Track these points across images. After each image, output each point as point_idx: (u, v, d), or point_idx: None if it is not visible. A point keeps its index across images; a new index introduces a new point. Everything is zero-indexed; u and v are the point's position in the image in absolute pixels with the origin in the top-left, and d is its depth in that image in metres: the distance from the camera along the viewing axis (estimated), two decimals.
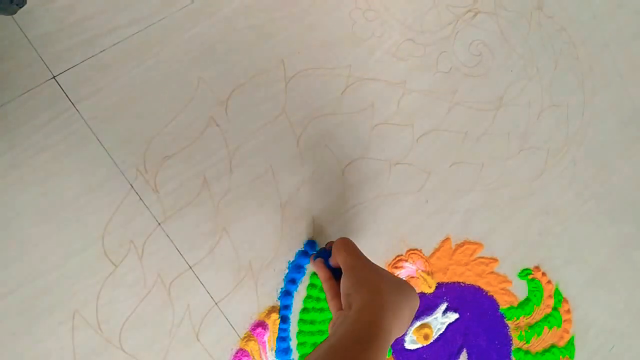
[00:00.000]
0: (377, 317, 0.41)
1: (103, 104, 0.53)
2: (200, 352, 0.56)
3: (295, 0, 0.60)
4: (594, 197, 0.75)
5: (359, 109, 0.62)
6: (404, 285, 0.46)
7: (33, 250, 0.50)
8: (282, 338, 0.59)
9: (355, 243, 0.61)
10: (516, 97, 0.70)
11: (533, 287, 0.71)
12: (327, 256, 0.55)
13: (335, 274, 0.53)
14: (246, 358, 0.57)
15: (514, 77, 0.70)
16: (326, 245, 0.58)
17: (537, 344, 0.71)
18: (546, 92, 0.72)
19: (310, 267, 0.60)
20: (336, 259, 0.51)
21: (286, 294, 0.59)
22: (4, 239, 0.50)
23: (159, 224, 0.54)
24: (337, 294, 0.49)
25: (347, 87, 0.62)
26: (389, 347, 0.41)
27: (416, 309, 0.47)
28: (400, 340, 0.65)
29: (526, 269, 0.71)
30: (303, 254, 0.60)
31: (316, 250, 0.59)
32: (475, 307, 0.68)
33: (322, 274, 0.53)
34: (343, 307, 0.45)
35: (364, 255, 0.50)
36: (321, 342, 0.42)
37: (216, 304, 0.56)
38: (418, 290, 0.65)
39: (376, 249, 0.63)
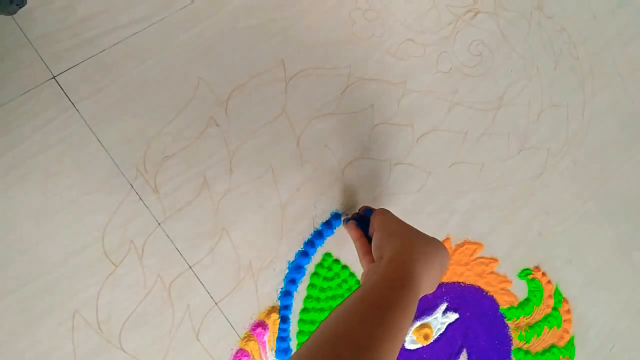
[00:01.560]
0: (407, 264, 0.42)
1: (103, 104, 0.53)
2: (200, 352, 0.56)
3: (295, 0, 0.60)
4: (594, 197, 0.75)
5: (359, 109, 0.62)
6: (435, 241, 0.48)
7: (33, 250, 0.50)
8: (282, 338, 0.59)
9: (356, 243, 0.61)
10: (516, 97, 0.70)
11: (533, 287, 0.71)
12: (358, 219, 0.57)
13: (366, 234, 0.55)
14: (246, 358, 0.57)
15: (514, 77, 0.70)
16: (359, 210, 0.59)
17: (537, 344, 0.71)
18: (546, 92, 0.72)
19: (310, 268, 0.60)
20: (374, 219, 0.52)
21: (286, 294, 0.59)
22: (4, 239, 0.50)
23: (159, 224, 0.54)
24: (368, 252, 0.51)
25: (347, 87, 0.62)
26: (419, 298, 0.42)
27: (446, 266, 0.48)
28: None
29: (526, 269, 0.71)
30: (303, 254, 0.60)
31: (340, 221, 0.60)
32: (475, 307, 0.68)
33: (354, 233, 0.55)
34: (375, 260, 0.47)
35: (397, 220, 0.51)
36: (357, 289, 0.43)
37: (216, 304, 0.56)
38: None
39: None
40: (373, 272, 0.44)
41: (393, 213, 0.53)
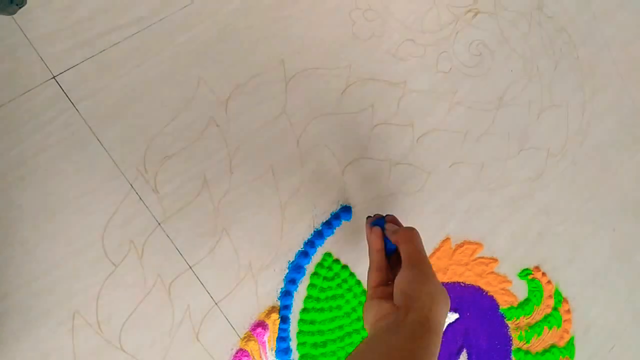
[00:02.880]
0: (436, 330, 0.43)
1: (103, 104, 0.53)
2: (200, 352, 0.56)
3: (295, 0, 0.60)
4: (594, 197, 0.75)
5: (359, 109, 0.62)
6: (446, 296, 0.47)
7: (33, 250, 0.50)
8: (282, 338, 0.59)
9: (356, 243, 0.61)
10: (516, 97, 0.70)
11: (533, 287, 0.71)
12: (383, 225, 0.53)
13: (385, 245, 0.52)
14: (246, 358, 0.57)
15: (514, 77, 0.70)
16: (385, 216, 0.56)
17: (537, 344, 0.71)
18: (546, 92, 0.72)
19: (310, 268, 0.60)
20: (400, 245, 0.50)
21: (286, 294, 0.59)
22: (4, 239, 0.50)
23: (159, 224, 0.54)
24: (382, 268, 0.50)
25: (347, 87, 0.62)
26: None
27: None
28: None
29: (526, 269, 0.71)
30: (303, 254, 0.60)
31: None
32: (475, 307, 0.68)
33: (376, 243, 0.52)
34: (395, 302, 0.45)
35: (426, 255, 0.49)
36: (375, 337, 0.43)
37: (216, 304, 0.56)
38: None
39: None
40: (398, 324, 0.43)
41: (421, 237, 0.51)
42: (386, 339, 0.42)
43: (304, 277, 0.60)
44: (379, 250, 0.52)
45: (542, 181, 0.72)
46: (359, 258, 0.62)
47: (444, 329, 0.46)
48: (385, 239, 0.53)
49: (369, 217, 0.58)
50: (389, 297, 0.47)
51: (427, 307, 0.44)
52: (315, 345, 0.60)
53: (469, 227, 0.68)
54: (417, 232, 0.51)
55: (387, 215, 0.57)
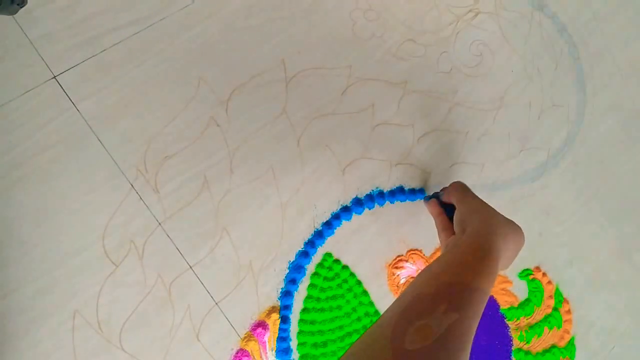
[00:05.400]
0: (489, 239, 0.46)
1: (103, 104, 0.53)
2: (200, 352, 0.56)
3: (295, 0, 0.60)
4: (594, 197, 0.75)
5: (359, 109, 0.62)
6: (513, 223, 0.51)
7: (33, 250, 0.50)
8: (283, 338, 0.59)
9: (356, 243, 0.61)
10: (516, 97, 0.70)
11: (533, 288, 0.71)
12: (436, 196, 0.61)
13: (445, 211, 0.58)
14: (246, 358, 0.57)
15: (514, 77, 0.70)
16: (440, 190, 0.62)
17: (537, 344, 0.71)
18: (546, 92, 0.72)
19: (310, 268, 0.60)
20: (450, 198, 0.56)
21: (286, 294, 0.59)
22: (4, 239, 0.50)
23: (159, 224, 0.54)
24: (447, 227, 0.56)
25: (348, 87, 0.62)
26: (498, 270, 0.45)
27: (521, 248, 0.51)
28: None
29: (526, 270, 0.71)
30: (303, 254, 0.60)
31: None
32: None
33: (435, 209, 0.59)
34: (456, 233, 0.50)
35: (474, 194, 0.55)
36: (437, 258, 0.47)
37: (216, 304, 0.56)
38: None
39: (377, 249, 0.63)
40: (454, 243, 0.47)
41: (467, 186, 0.56)
42: (444, 253, 0.46)
43: (304, 277, 0.60)
44: (439, 214, 0.58)
45: (542, 181, 0.72)
46: (359, 258, 0.62)
47: (506, 249, 0.47)
48: (444, 207, 0.59)
49: (425, 196, 0.64)
50: None
51: (480, 224, 0.47)
52: (315, 345, 0.60)
53: None
54: (462, 182, 0.57)
55: (441, 189, 0.62)
